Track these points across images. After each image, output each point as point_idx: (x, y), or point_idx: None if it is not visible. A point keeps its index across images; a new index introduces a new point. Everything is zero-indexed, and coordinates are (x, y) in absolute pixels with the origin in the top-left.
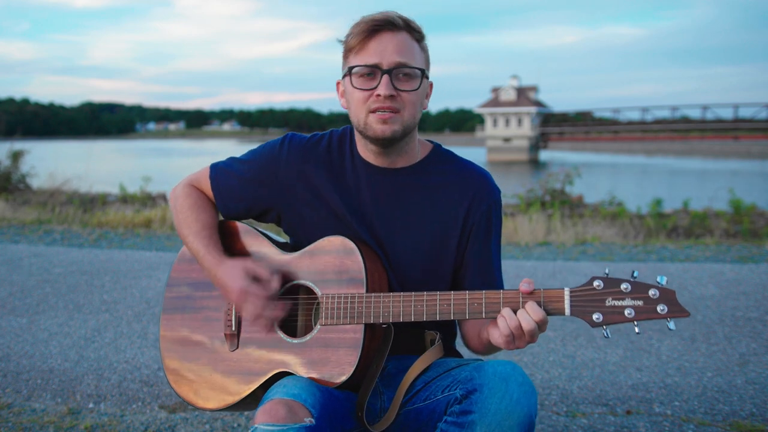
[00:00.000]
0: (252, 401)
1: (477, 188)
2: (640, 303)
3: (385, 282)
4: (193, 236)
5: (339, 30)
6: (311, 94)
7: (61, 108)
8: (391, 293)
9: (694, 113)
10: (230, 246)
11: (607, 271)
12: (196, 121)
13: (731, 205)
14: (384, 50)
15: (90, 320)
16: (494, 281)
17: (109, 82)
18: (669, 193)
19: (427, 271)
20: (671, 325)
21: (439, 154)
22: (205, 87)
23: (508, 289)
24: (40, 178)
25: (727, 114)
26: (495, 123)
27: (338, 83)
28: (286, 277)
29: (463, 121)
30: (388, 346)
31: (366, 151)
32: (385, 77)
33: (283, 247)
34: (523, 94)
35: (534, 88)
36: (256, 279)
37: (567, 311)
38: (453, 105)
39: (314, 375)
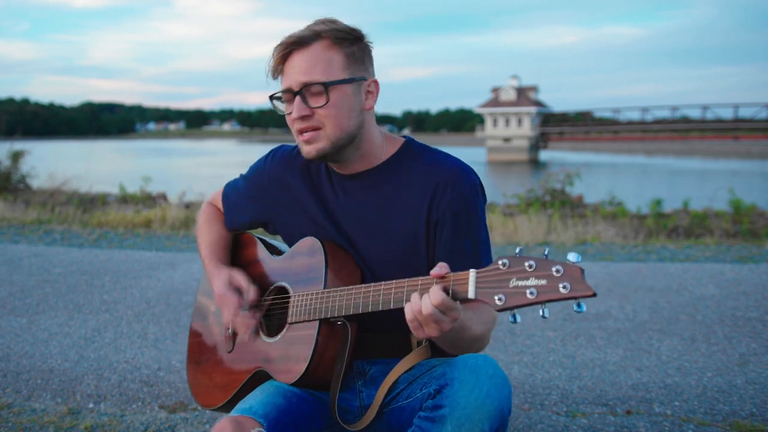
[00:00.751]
0: (238, 399)
1: (439, 181)
2: (543, 282)
3: (357, 281)
4: (203, 247)
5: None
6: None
7: (61, 108)
8: (341, 288)
9: (694, 113)
10: (239, 256)
11: (518, 250)
12: (196, 121)
13: (731, 205)
14: (292, 71)
15: (90, 320)
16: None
17: (109, 82)
18: (669, 193)
19: (401, 270)
20: (581, 307)
21: (408, 150)
22: (205, 87)
23: (427, 276)
24: (40, 178)
25: (727, 114)
26: (495, 123)
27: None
28: (272, 280)
29: (463, 121)
30: (347, 343)
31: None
32: (297, 99)
33: (276, 252)
34: (523, 94)
35: (534, 88)
36: (237, 288)
37: (471, 293)
38: (453, 105)
39: (280, 372)
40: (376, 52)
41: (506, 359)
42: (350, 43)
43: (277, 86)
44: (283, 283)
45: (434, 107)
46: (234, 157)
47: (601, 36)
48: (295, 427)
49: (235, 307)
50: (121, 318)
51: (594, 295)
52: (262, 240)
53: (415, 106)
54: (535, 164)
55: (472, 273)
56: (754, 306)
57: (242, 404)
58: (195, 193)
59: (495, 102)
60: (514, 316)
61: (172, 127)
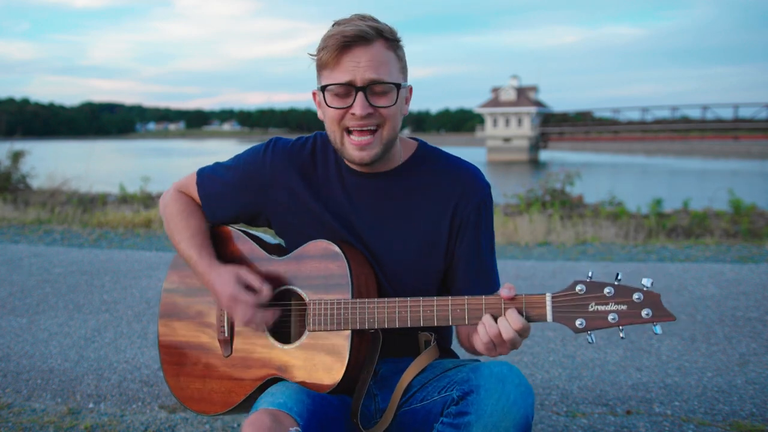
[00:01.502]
0: (248, 406)
1: (464, 185)
2: (623, 307)
3: (373, 284)
4: (185, 242)
5: None
6: (311, 95)
7: (61, 108)
8: (376, 299)
9: (694, 113)
10: (221, 251)
11: (590, 274)
12: (196, 121)
13: (731, 205)
14: (357, 66)
15: (90, 320)
16: (487, 278)
17: (109, 82)
18: (669, 193)
19: (418, 271)
20: (657, 329)
21: (424, 153)
22: (205, 87)
23: (490, 295)
24: (40, 178)
25: (727, 114)
26: (495, 123)
27: (314, 93)
28: (275, 282)
29: (463, 121)
30: (377, 350)
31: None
32: (360, 95)
33: (273, 251)
34: (523, 94)
35: (534, 88)
36: (247, 286)
37: (549, 318)
38: (453, 105)
39: (304, 380)
40: None
41: (506, 359)
42: (398, 46)
43: (277, 84)
44: (294, 287)
45: (434, 107)
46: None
47: (601, 36)
48: (322, 429)
49: (253, 306)
50: (121, 318)
51: (674, 319)
52: (250, 235)
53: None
54: (535, 164)
55: (548, 297)
56: (754, 306)
57: (271, 398)
58: None
59: (495, 102)
60: (591, 336)
61: (172, 127)
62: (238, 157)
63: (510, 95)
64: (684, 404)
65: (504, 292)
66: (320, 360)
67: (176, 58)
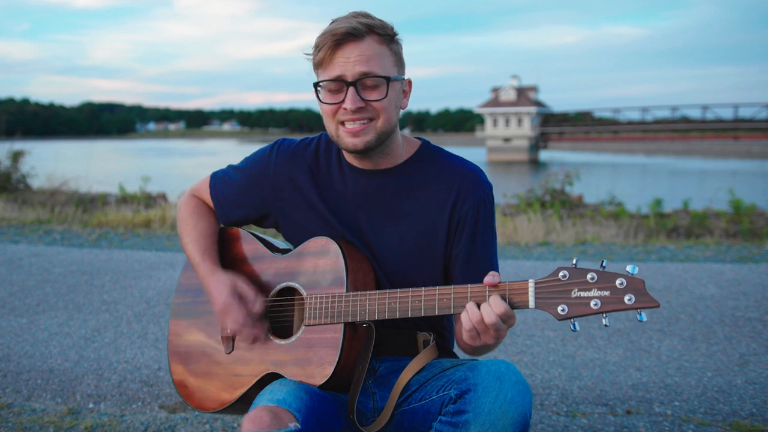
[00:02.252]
0: (246, 403)
1: (462, 184)
2: (606, 293)
3: (372, 281)
4: (192, 244)
5: None
6: (311, 94)
7: (61, 108)
8: (368, 291)
9: (694, 113)
10: (229, 252)
11: (574, 261)
12: (196, 121)
13: (731, 205)
14: (347, 62)
15: (90, 320)
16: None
17: (109, 82)
18: (669, 193)
19: (417, 269)
20: (641, 316)
21: (426, 151)
22: (205, 87)
23: (475, 284)
24: (40, 178)
25: (727, 114)
26: (495, 123)
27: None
28: (277, 279)
29: (463, 121)
30: (370, 345)
31: (348, 155)
32: (351, 89)
33: (277, 250)
34: (523, 94)
35: (534, 88)
36: (241, 297)
37: (531, 304)
38: (453, 105)
39: (299, 375)
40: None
41: (506, 359)
42: (393, 40)
43: (277, 84)
44: (292, 284)
45: (434, 107)
46: (234, 157)
47: (601, 36)
48: (320, 426)
49: (243, 319)
50: (121, 318)
51: (658, 305)
52: (255, 236)
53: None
54: (535, 164)
55: (530, 283)
56: (754, 306)
57: (269, 395)
58: None
59: (495, 102)
60: (574, 325)
61: (172, 127)
62: (247, 159)
63: (510, 95)
64: (684, 404)
65: (488, 279)
66: (314, 354)
67: (176, 58)
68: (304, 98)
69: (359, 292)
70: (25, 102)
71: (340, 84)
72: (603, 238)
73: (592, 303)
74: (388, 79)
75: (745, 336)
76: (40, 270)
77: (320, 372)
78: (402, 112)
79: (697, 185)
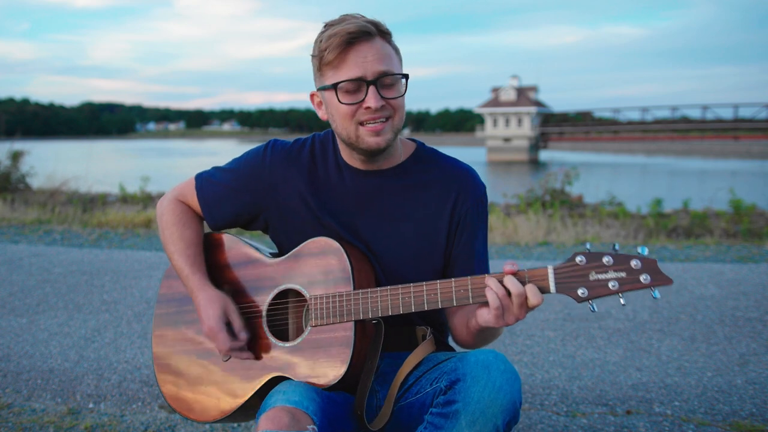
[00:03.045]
0: (249, 409)
1: (461, 185)
2: (623, 275)
3: (373, 280)
4: (178, 254)
5: None
6: (309, 97)
7: (61, 108)
8: (378, 288)
9: (694, 113)
10: (219, 258)
11: (588, 246)
12: (196, 121)
13: (731, 205)
14: (365, 61)
15: (90, 320)
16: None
17: (109, 82)
18: (669, 193)
19: (417, 269)
20: (656, 293)
21: (422, 153)
22: (205, 87)
23: (494, 273)
24: (39, 178)
25: (727, 114)
26: (495, 123)
27: (312, 95)
28: (272, 283)
29: (463, 121)
30: (380, 341)
31: (351, 157)
32: (372, 89)
33: (269, 254)
34: (523, 94)
35: (534, 88)
36: (229, 323)
37: (552, 288)
38: (453, 105)
39: (307, 376)
40: None
41: (503, 355)
42: (392, 40)
43: (277, 84)
44: (293, 286)
45: (434, 107)
46: (234, 157)
47: (601, 36)
48: (332, 429)
49: (227, 347)
50: (121, 318)
51: (672, 282)
52: (245, 241)
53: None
54: (535, 164)
55: (549, 270)
56: (754, 306)
57: (285, 395)
58: None
59: (495, 102)
60: (593, 305)
61: (172, 127)
62: (236, 160)
63: (510, 95)
64: (684, 404)
65: (507, 267)
66: (323, 354)
67: (176, 58)
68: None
69: (368, 290)
70: (25, 102)
71: (358, 84)
72: (603, 238)
73: (610, 284)
74: (406, 77)
75: (745, 336)
76: (40, 270)
77: (333, 371)
78: None
79: (697, 185)
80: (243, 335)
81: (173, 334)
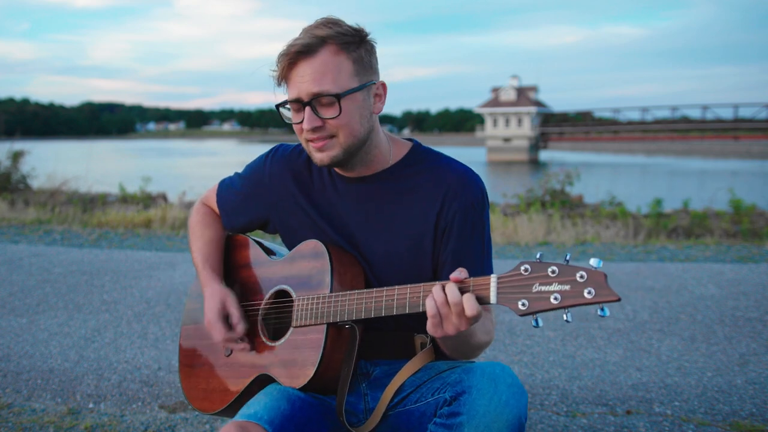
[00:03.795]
0: (239, 405)
1: (449, 188)
2: (567, 287)
3: (361, 284)
4: (196, 251)
5: None
6: None
7: (61, 108)
8: (349, 292)
9: (694, 113)
10: (234, 258)
11: (538, 255)
12: (196, 121)
13: (731, 205)
14: (302, 81)
15: (90, 320)
16: None
17: (109, 82)
18: (669, 193)
19: (406, 274)
20: (604, 312)
21: (415, 154)
22: (205, 87)
23: (442, 281)
24: (40, 178)
25: (727, 114)
26: (495, 123)
27: None
28: (271, 282)
29: (463, 121)
30: (355, 346)
31: None
32: (307, 110)
33: (275, 254)
34: (523, 94)
35: (534, 88)
36: (228, 316)
37: (492, 299)
38: (453, 105)
39: (284, 376)
40: (377, 53)
41: (506, 359)
42: (356, 46)
43: (275, 91)
44: (284, 287)
45: (434, 107)
46: (234, 157)
47: (601, 36)
48: None
49: (224, 338)
50: (121, 318)
51: (619, 299)
52: (257, 242)
53: (415, 106)
54: (535, 164)
55: (493, 278)
56: (754, 306)
57: (246, 409)
58: (195, 193)
59: (495, 102)
60: (536, 321)
61: (172, 127)
62: (248, 167)
63: (510, 95)
64: (684, 404)
65: (454, 274)
66: (299, 354)
67: (176, 58)
68: None
69: (341, 293)
70: (25, 102)
71: (298, 105)
72: (603, 238)
73: (552, 297)
74: (338, 96)
75: (745, 336)
76: (40, 270)
77: (303, 373)
78: (402, 111)
79: (697, 185)
80: (240, 327)
81: (195, 328)
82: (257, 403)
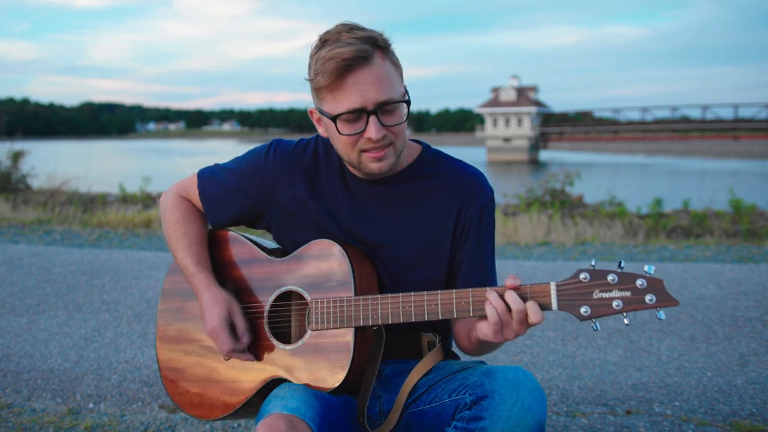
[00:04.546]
0: (250, 408)
1: (467, 189)
2: (627, 294)
3: (375, 285)
4: (183, 252)
5: None
6: (309, 113)
7: (61, 108)
8: (380, 295)
9: (694, 113)
10: (221, 255)
11: (593, 263)
12: (196, 121)
13: (731, 205)
14: (364, 90)
15: (90, 320)
16: (488, 282)
17: (109, 82)
18: (669, 193)
19: (421, 276)
20: (661, 314)
21: (427, 156)
22: (205, 87)
23: (496, 286)
24: (40, 178)
25: (727, 114)
26: (495, 123)
27: (311, 111)
28: (274, 283)
29: (463, 121)
30: (380, 348)
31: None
32: (372, 119)
33: (272, 253)
34: (523, 94)
35: (534, 88)
36: (232, 325)
37: (554, 306)
38: (453, 105)
39: (307, 381)
40: None
41: (506, 359)
42: (391, 51)
43: (277, 84)
44: (294, 287)
45: (434, 107)
46: (236, 156)
47: (601, 36)
48: None
49: (229, 348)
50: (121, 318)
51: (678, 304)
52: (249, 238)
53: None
54: (535, 164)
55: (552, 286)
56: (754, 306)
57: (283, 401)
58: None
59: (495, 102)
60: (596, 325)
61: (172, 127)
62: (239, 160)
63: (510, 95)
64: (684, 404)
65: (509, 281)
66: (323, 359)
67: (176, 58)
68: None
69: (369, 296)
70: (25, 102)
71: (358, 114)
72: (603, 238)
73: (614, 303)
74: (407, 102)
75: (745, 336)
76: (40, 270)
77: (332, 377)
78: None
79: (697, 185)
80: (245, 338)
81: (177, 330)
82: (293, 399)
